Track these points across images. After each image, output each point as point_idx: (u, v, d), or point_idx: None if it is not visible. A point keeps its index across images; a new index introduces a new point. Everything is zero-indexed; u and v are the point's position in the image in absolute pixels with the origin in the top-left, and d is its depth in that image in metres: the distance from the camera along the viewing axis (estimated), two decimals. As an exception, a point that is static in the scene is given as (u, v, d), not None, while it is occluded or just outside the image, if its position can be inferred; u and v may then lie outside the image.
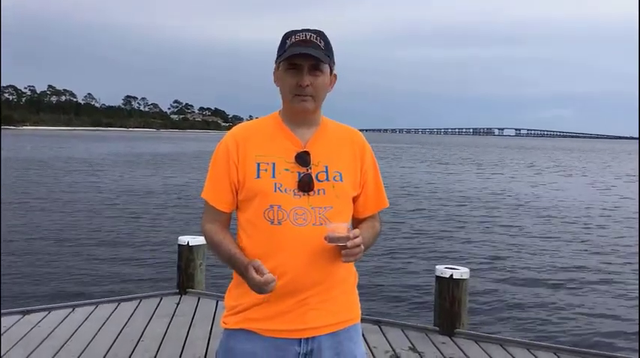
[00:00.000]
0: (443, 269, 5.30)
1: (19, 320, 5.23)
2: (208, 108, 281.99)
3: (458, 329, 5.21)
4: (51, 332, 4.98)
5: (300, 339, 2.06)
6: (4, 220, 13.80)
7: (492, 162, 51.78)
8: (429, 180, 30.09)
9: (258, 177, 2.07)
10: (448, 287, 5.25)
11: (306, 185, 2.06)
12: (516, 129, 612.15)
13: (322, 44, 2.06)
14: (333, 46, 2.13)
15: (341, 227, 1.98)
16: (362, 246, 1.98)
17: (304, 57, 2.01)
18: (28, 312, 5.43)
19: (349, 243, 1.94)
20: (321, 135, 2.16)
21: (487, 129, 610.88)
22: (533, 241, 13.80)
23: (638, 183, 30.17)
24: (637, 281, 9.80)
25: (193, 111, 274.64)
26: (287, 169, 2.08)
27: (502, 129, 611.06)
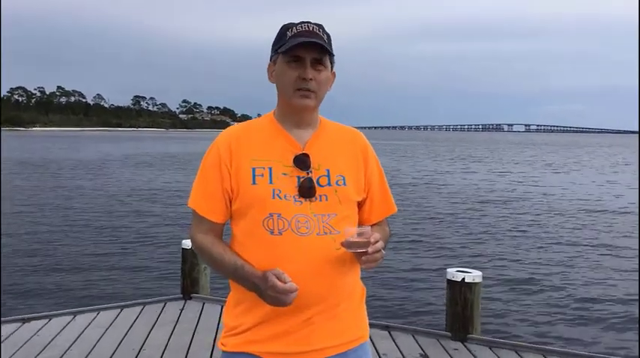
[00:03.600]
0: (454, 273, 5.12)
1: (20, 327, 5.11)
2: (217, 107, 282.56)
3: (471, 335, 5.04)
4: (52, 340, 4.86)
5: None
6: (5, 224, 13.73)
7: (504, 160, 51.19)
8: (440, 179, 29.65)
9: (254, 183, 1.88)
10: (460, 292, 5.07)
11: (307, 190, 1.88)
12: (526, 125, 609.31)
13: (325, 36, 1.89)
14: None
15: (358, 231, 1.80)
16: (383, 252, 1.82)
17: (309, 47, 1.84)
18: (29, 320, 5.31)
19: (370, 249, 1.77)
20: (320, 136, 1.98)
21: (496, 125, 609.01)
22: (551, 244, 13.34)
23: (638, 179, 29.68)
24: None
25: (202, 111, 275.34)
26: (285, 174, 1.90)
27: (511, 124, 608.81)
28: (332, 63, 1.94)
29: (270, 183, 1.88)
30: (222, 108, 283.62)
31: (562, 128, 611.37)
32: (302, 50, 1.85)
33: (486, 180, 29.33)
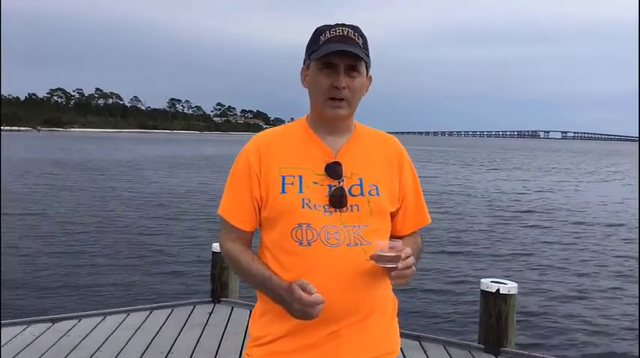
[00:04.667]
0: (489, 283, 4.97)
1: (49, 328, 5.13)
2: (250, 111, 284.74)
3: (504, 348, 4.89)
4: (80, 342, 4.87)
5: None
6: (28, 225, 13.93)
7: (542, 167, 50.07)
8: (476, 187, 29.15)
9: (284, 192, 1.81)
10: (494, 303, 4.92)
11: (338, 200, 1.81)
12: (563, 132, 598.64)
13: (360, 41, 1.80)
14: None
15: (389, 244, 1.72)
16: (414, 268, 1.73)
17: (342, 55, 1.76)
18: (58, 320, 5.33)
19: (400, 264, 1.68)
20: (354, 143, 1.90)
21: (532, 131, 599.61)
22: (592, 257, 12.83)
23: (638, 185, 28.99)
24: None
25: (236, 114, 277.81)
26: (316, 182, 1.82)
27: (548, 131, 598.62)
28: (368, 67, 1.86)
29: (300, 192, 1.81)
30: (255, 111, 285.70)
31: (601, 135, 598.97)
32: (336, 57, 1.77)
33: (524, 189, 28.71)
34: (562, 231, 16.11)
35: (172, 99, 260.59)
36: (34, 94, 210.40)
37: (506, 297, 4.91)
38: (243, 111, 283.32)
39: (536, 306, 8.84)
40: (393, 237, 1.94)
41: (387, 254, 1.70)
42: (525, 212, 19.82)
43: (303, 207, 1.79)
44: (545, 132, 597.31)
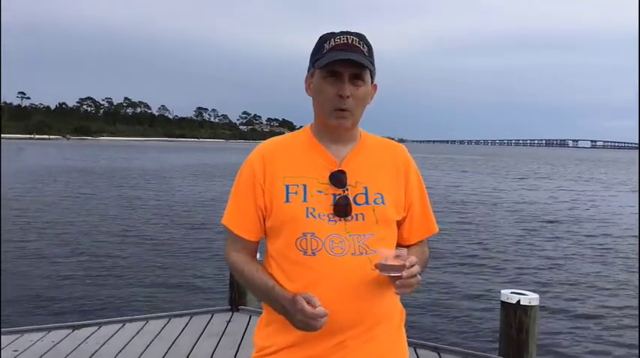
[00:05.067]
0: (509, 295, 4.88)
1: (69, 334, 5.18)
2: (276, 119, 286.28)
3: (525, 360, 4.78)
4: (99, 348, 4.90)
5: None
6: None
7: (570, 177, 49.22)
8: (500, 196, 28.67)
9: (288, 201, 1.80)
10: (515, 314, 4.82)
11: (342, 209, 1.79)
12: (592, 141, 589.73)
13: (365, 49, 1.79)
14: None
15: (394, 253, 1.69)
16: (419, 277, 1.70)
17: (346, 63, 1.75)
18: (79, 327, 5.39)
19: (405, 273, 1.65)
20: (359, 151, 1.89)
21: (561, 140, 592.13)
22: (619, 271, 12.44)
23: (638, 192, 28.46)
24: None
25: (261, 122, 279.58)
26: (320, 191, 1.81)
27: (576, 140, 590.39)
28: (373, 76, 1.84)
29: (304, 201, 1.80)
30: (281, 119, 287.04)
31: (631, 144, 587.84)
32: (340, 65, 1.75)
33: (551, 198, 28.19)
34: (589, 243, 15.69)
35: (199, 108, 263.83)
36: (65, 103, 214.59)
37: (527, 309, 4.81)
38: (268, 119, 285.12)
39: (558, 318, 8.66)
40: (399, 245, 1.92)
41: (392, 263, 1.68)
42: (552, 222, 19.41)
43: (307, 216, 1.78)
44: (573, 141, 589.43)
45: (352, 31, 1.82)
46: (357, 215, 1.80)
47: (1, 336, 5.09)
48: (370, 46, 1.82)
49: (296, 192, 1.80)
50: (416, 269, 1.68)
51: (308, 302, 1.66)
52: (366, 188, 1.83)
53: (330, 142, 1.87)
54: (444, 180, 39.51)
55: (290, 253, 1.79)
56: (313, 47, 1.86)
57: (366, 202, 1.82)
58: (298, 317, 1.67)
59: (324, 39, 1.82)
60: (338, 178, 1.82)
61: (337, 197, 1.80)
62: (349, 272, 1.75)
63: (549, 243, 15.57)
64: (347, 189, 1.81)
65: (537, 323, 4.96)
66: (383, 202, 1.84)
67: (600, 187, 37.43)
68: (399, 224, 1.93)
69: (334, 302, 1.72)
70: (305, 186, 1.81)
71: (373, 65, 1.81)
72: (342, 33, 1.81)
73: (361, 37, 1.80)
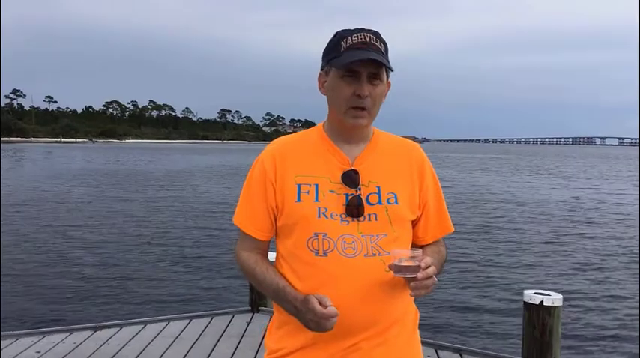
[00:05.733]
0: (532, 295, 4.78)
1: (90, 335, 5.23)
2: (299, 120, 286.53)
3: (549, 362, 4.68)
4: (120, 350, 4.93)
5: None
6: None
7: (597, 175, 48.24)
8: (525, 195, 28.23)
9: (299, 200, 1.77)
10: (538, 315, 4.72)
11: (355, 209, 1.76)
12: (619, 138, 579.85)
13: (382, 47, 1.75)
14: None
15: (409, 254, 1.65)
16: (435, 278, 1.65)
17: (365, 62, 1.71)
18: (100, 328, 5.43)
19: (420, 275, 1.60)
20: (372, 150, 1.85)
21: (587, 138, 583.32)
22: None
23: (638, 187, 28.03)
24: None
25: (284, 123, 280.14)
26: (332, 191, 1.78)
27: (604, 138, 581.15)
28: (388, 73, 1.80)
29: (316, 200, 1.76)
30: (304, 120, 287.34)
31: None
32: (359, 65, 1.72)
33: (578, 197, 27.62)
34: (616, 244, 15.33)
35: (223, 110, 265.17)
36: (91, 107, 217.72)
37: (551, 309, 4.70)
38: (292, 120, 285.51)
39: (582, 319, 8.49)
40: (415, 246, 1.89)
41: (406, 264, 1.63)
42: (578, 222, 19.06)
43: (319, 216, 1.75)
44: (600, 138, 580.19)
45: (367, 28, 1.78)
46: (369, 215, 1.77)
47: (24, 338, 5.15)
48: (386, 43, 1.78)
49: (308, 192, 1.78)
50: (432, 270, 1.64)
51: (319, 303, 1.63)
52: (379, 187, 1.80)
53: (342, 141, 1.84)
54: (467, 179, 39.19)
55: (301, 253, 1.76)
56: (327, 44, 1.82)
57: (379, 202, 1.78)
58: (309, 317, 1.64)
59: (340, 36, 1.77)
60: (350, 178, 1.78)
61: (350, 197, 1.76)
62: (362, 274, 1.72)
63: (576, 243, 15.29)
64: (359, 189, 1.78)
65: (561, 324, 4.86)
66: (396, 202, 1.80)
67: (628, 185, 36.70)
68: (414, 223, 1.89)
69: (346, 304, 1.69)
70: (317, 185, 1.78)
71: (389, 62, 1.77)
72: (357, 30, 1.77)
73: (377, 35, 1.77)
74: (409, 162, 1.88)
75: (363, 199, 1.77)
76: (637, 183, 38.89)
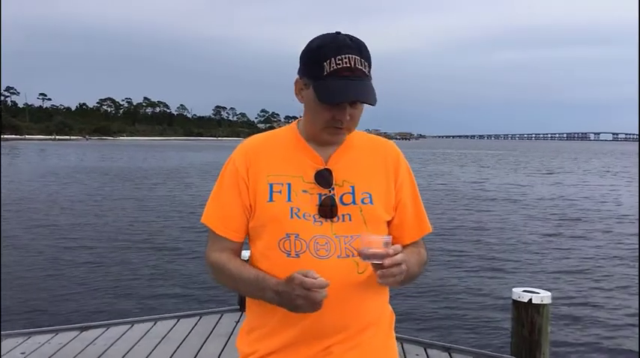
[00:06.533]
0: (521, 293, 4.78)
1: (77, 336, 5.16)
2: (294, 117, 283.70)
3: (538, 360, 4.68)
4: (106, 350, 4.87)
5: None
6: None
7: (592, 171, 48.30)
8: (519, 191, 28.25)
9: (271, 200, 1.72)
10: (527, 313, 4.72)
11: (328, 209, 1.71)
12: (614, 134, 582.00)
13: (367, 69, 1.65)
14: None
15: (378, 240, 1.58)
16: (403, 266, 1.57)
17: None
18: (86, 328, 5.37)
19: (387, 261, 1.53)
20: (346, 149, 1.80)
21: (582, 133, 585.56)
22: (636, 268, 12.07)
23: (638, 183, 28.26)
24: None
25: (279, 120, 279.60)
26: (305, 191, 1.73)
27: (598, 133, 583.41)
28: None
29: (289, 200, 1.72)
30: (299, 117, 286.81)
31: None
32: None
33: (571, 194, 27.50)
34: (609, 241, 15.28)
35: (217, 107, 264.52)
36: (85, 104, 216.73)
37: (539, 307, 4.71)
38: (287, 117, 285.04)
39: (572, 317, 8.46)
40: (392, 247, 1.83)
41: (374, 251, 1.56)
42: (570, 219, 18.97)
43: (291, 217, 1.71)
44: (595, 134, 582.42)
45: (349, 41, 1.66)
46: (343, 215, 1.72)
47: (9, 338, 5.10)
48: (370, 57, 1.68)
49: (280, 191, 1.73)
50: (400, 257, 1.56)
51: (306, 275, 1.55)
52: (353, 187, 1.76)
53: (316, 141, 1.79)
54: (460, 175, 39.23)
55: (272, 254, 1.71)
56: (307, 53, 1.71)
57: (353, 202, 1.74)
58: (297, 293, 1.55)
59: (322, 55, 1.64)
60: (324, 177, 1.74)
61: (323, 197, 1.72)
62: (334, 276, 1.66)
63: (567, 240, 15.24)
64: (333, 189, 1.74)
65: (550, 322, 4.85)
66: (371, 202, 1.76)
67: (624, 182, 36.72)
68: (390, 224, 1.84)
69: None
70: (289, 184, 1.74)
71: (371, 79, 1.68)
72: (340, 48, 1.64)
73: (361, 51, 1.66)
74: (384, 161, 1.83)
75: (337, 199, 1.73)
76: (630, 179, 39.02)
